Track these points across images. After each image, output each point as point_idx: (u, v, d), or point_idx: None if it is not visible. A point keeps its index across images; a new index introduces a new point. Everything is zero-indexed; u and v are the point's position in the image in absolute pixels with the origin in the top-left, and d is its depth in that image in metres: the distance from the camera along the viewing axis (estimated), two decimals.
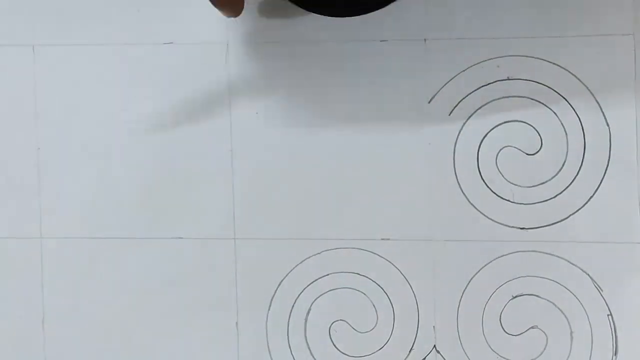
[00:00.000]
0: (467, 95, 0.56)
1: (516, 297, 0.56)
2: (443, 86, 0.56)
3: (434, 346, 0.57)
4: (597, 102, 0.55)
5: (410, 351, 0.57)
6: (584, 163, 0.55)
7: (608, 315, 0.55)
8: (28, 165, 0.59)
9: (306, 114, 0.57)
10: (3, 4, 0.59)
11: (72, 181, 0.59)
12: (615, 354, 0.55)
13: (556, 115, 0.56)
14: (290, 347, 0.58)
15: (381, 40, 0.57)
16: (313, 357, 0.58)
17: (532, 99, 0.56)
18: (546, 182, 0.56)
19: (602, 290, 0.55)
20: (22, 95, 0.59)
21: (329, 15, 0.56)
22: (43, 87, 0.59)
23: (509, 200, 0.56)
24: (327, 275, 0.58)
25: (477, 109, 0.56)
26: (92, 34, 0.59)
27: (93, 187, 0.59)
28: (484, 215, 0.56)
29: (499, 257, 0.56)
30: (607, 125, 0.55)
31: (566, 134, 0.56)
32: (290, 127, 0.58)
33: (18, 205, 0.59)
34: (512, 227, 0.56)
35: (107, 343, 0.59)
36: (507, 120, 0.56)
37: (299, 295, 0.58)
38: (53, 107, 0.59)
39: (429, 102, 0.57)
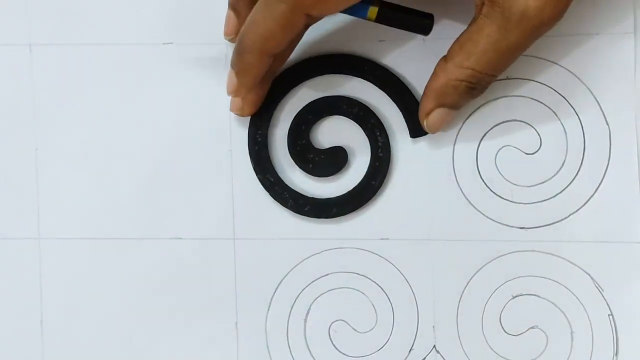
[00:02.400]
0: None
1: (516, 297, 0.56)
2: None
3: (434, 346, 0.57)
4: (597, 101, 0.55)
5: (410, 351, 0.57)
6: (583, 162, 0.55)
7: (609, 315, 0.55)
8: (26, 165, 0.59)
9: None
10: None
11: (71, 181, 0.59)
12: (616, 354, 0.55)
13: (556, 114, 0.56)
14: (289, 347, 0.58)
15: (380, 40, 0.56)
16: (312, 357, 0.58)
17: (531, 99, 0.56)
18: (546, 181, 0.56)
19: (602, 290, 0.55)
20: (19, 96, 0.59)
21: None
22: (40, 87, 0.59)
23: (508, 200, 0.56)
24: (327, 275, 0.57)
25: (476, 109, 0.56)
26: (90, 33, 0.58)
27: (91, 187, 0.59)
28: (484, 214, 0.56)
29: (498, 256, 0.56)
30: (607, 124, 0.55)
31: (566, 133, 0.56)
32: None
33: (16, 205, 0.59)
34: (512, 226, 0.56)
35: (106, 344, 0.59)
36: (507, 119, 0.56)
37: (298, 295, 0.58)
38: (51, 107, 0.59)
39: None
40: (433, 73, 0.52)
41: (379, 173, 0.56)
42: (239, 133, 0.58)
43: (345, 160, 0.57)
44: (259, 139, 0.57)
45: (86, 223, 0.59)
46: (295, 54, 0.56)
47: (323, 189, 0.57)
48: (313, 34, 0.56)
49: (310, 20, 0.51)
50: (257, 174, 0.57)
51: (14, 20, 0.59)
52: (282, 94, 0.57)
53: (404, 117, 0.56)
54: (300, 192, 0.57)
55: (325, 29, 0.57)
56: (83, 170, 0.59)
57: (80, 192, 0.59)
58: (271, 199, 0.57)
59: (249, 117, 0.57)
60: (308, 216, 0.56)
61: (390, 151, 0.56)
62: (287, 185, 0.57)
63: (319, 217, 0.57)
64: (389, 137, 0.56)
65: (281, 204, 0.57)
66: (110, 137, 0.58)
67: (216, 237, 0.58)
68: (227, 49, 0.58)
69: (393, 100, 0.56)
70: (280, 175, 0.57)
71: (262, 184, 0.57)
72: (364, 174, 0.57)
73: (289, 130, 0.57)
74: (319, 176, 0.57)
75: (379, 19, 0.53)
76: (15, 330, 0.59)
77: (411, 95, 0.56)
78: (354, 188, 0.57)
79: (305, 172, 0.57)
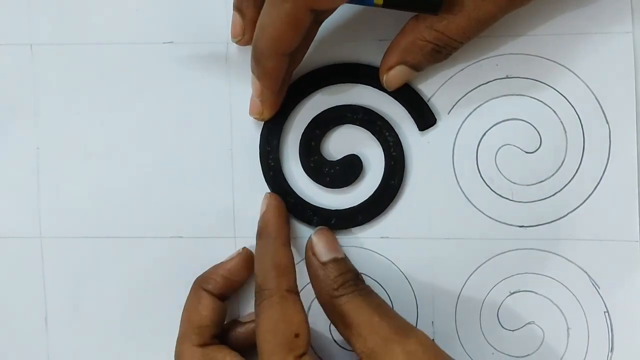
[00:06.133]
0: (466, 94, 0.56)
1: (514, 293, 0.57)
2: (442, 85, 0.56)
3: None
4: (597, 100, 0.55)
5: None
6: (583, 161, 0.56)
7: (605, 312, 0.56)
8: (27, 164, 0.59)
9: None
10: (0, 3, 0.59)
11: (72, 180, 0.59)
12: (612, 351, 0.56)
13: (555, 113, 0.56)
14: None
15: (380, 40, 0.56)
16: (314, 353, 0.58)
17: (531, 97, 0.56)
18: (545, 180, 0.56)
19: (599, 288, 0.56)
20: (21, 95, 0.59)
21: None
22: (42, 87, 0.59)
23: (507, 199, 0.56)
24: None
25: (476, 108, 0.56)
26: (90, 33, 0.58)
27: (92, 186, 0.59)
28: (483, 213, 0.57)
29: (497, 254, 0.57)
30: (607, 123, 0.55)
31: (565, 132, 0.56)
32: (290, 127, 0.58)
33: (17, 204, 0.59)
34: (511, 225, 0.56)
35: (108, 342, 0.59)
36: (506, 118, 0.56)
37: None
38: (52, 107, 0.59)
39: (428, 101, 0.56)
40: (401, 30, 0.53)
41: (396, 172, 0.57)
42: (239, 132, 0.58)
43: (361, 166, 0.57)
44: (272, 164, 0.57)
45: (87, 222, 0.59)
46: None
47: (344, 199, 0.58)
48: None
49: (319, 15, 0.52)
50: None
51: (15, 20, 0.59)
52: (284, 117, 0.57)
53: (409, 112, 0.56)
54: (323, 207, 0.57)
55: (323, 32, 0.57)
56: (84, 169, 0.59)
57: (81, 191, 0.59)
58: None
59: (259, 135, 0.57)
60: (336, 229, 0.57)
61: (402, 149, 0.57)
62: (308, 203, 0.57)
63: (347, 228, 0.57)
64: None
65: (306, 222, 0.57)
66: (111, 136, 0.58)
67: (217, 236, 0.58)
68: (227, 48, 0.57)
69: (395, 98, 0.56)
70: (299, 194, 0.57)
71: None
72: (380, 176, 0.57)
73: (300, 148, 0.57)
74: (338, 187, 0.57)
75: (387, 4, 0.52)
76: (20, 328, 0.60)
77: (412, 89, 0.56)
78: (375, 191, 0.57)
79: (324, 186, 0.57)
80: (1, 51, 0.59)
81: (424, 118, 0.56)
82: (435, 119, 0.56)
